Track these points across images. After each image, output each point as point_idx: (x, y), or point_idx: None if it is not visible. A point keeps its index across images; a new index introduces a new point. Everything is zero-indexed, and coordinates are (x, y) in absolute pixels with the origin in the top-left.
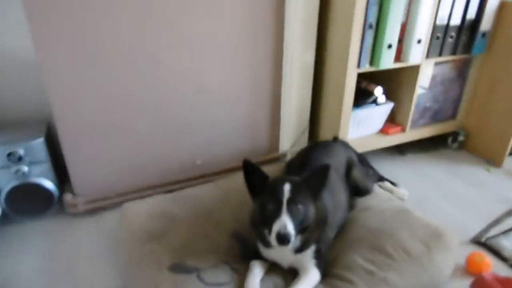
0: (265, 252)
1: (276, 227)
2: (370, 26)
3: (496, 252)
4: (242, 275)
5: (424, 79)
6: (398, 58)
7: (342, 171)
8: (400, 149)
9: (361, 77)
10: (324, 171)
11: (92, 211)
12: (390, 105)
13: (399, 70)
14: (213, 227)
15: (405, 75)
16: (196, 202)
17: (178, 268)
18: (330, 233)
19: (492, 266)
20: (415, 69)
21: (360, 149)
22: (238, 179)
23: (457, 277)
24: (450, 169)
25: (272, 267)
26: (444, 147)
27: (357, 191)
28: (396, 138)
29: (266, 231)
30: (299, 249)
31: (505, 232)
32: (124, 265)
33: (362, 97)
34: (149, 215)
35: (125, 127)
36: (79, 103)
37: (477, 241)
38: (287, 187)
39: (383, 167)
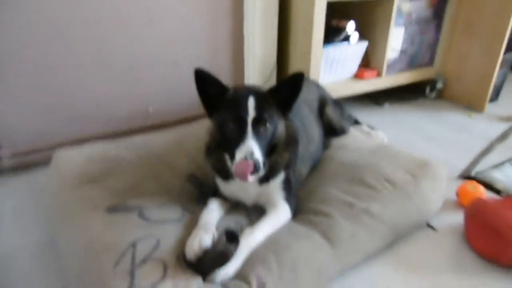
0: (224, 187)
1: (241, 154)
2: None
3: (487, 185)
4: (196, 215)
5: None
6: None
7: (315, 107)
8: (376, 100)
9: (331, 13)
10: (297, 79)
11: (23, 167)
12: (364, 44)
13: (372, 3)
14: (165, 170)
15: (379, 10)
16: (147, 148)
17: (116, 208)
18: (303, 167)
19: (485, 195)
20: (389, 3)
21: (334, 95)
22: (197, 127)
23: (448, 210)
24: (430, 116)
25: (235, 207)
26: (423, 97)
27: (331, 130)
28: (372, 83)
29: (226, 158)
30: (265, 177)
31: (496, 165)
32: (52, 216)
33: (334, 34)
34: (88, 159)
35: (61, 64)
36: (3, 32)
37: (466, 176)
38: (251, 102)
39: (360, 116)
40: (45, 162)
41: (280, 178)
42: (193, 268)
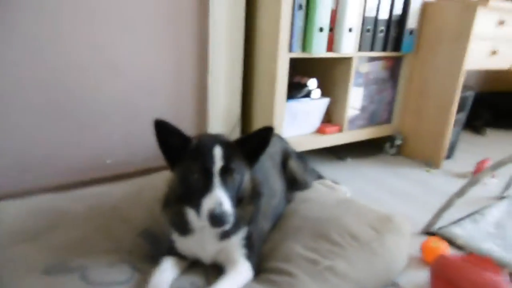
0: (181, 243)
1: (208, 205)
2: (300, 7)
3: (450, 241)
4: (147, 275)
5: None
6: (330, 48)
7: (278, 160)
8: (338, 154)
9: (294, 71)
10: (266, 133)
11: None
12: (326, 100)
13: (333, 63)
14: (117, 223)
15: (339, 69)
16: (99, 199)
17: (55, 269)
18: (265, 223)
19: (448, 251)
20: (348, 62)
21: (297, 149)
22: (156, 177)
23: (413, 267)
24: (390, 171)
25: (191, 266)
26: (382, 153)
27: (294, 184)
28: (334, 138)
29: (186, 211)
30: (226, 232)
31: (457, 221)
32: None
33: (296, 90)
34: (30, 213)
35: (11, 107)
36: None
37: (428, 232)
38: (218, 151)
39: (322, 171)
40: None
41: (242, 233)
42: None
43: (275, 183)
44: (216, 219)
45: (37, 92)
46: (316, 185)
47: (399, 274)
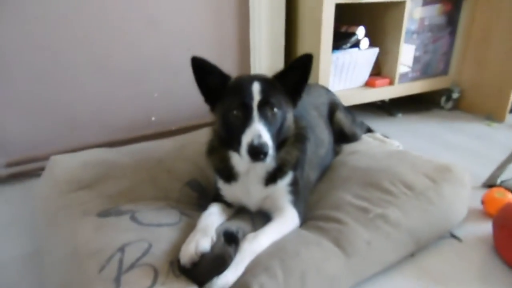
0: (227, 190)
1: (247, 137)
2: None
3: None
4: (194, 220)
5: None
6: None
7: (325, 112)
8: (389, 110)
9: (341, 20)
10: (305, 60)
11: (18, 176)
12: (375, 50)
13: (383, 8)
14: (163, 174)
15: (390, 15)
16: (145, 153)
17: (107, 213)
18: (312, 172)
19: None
20: (400, 7)
21: (345, 103)
22: (200, 133)
23: (473, 220)
24: (446, 126)
25: (237, 214)
26: (437, 108)
27: (342, 136)
28: (384, 91)
29: (230, 156)
30: (273, 177)
31: None
32: (41, 224)
33: (343, 40)
34: (83, 164)
35: (58, 69)
36: None
37: (491, 185)
38: (256, 87)
39: (372, 127)
40: (41, 171)
41: (288, 179)
42: (188, 275)
43: (322, 133)
44: (254, 150)
45: (80, 50)
46: (366, 137)
47: (457, 226)
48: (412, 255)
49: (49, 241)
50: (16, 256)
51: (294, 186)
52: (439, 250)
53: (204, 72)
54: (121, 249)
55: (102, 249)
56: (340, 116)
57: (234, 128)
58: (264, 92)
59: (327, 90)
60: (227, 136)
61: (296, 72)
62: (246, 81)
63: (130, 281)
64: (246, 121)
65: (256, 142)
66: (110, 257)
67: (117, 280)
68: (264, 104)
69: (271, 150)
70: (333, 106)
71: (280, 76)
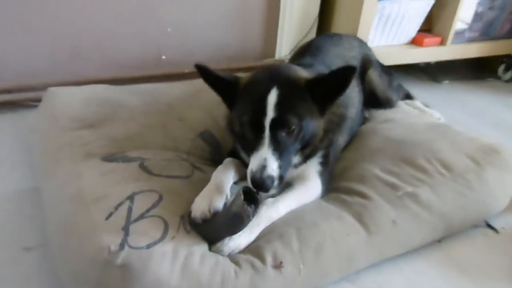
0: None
1: (252, 164)
2: None
3: None
4: (208, 175)
5: None
6: None
7: (356, 63)
8: (434, 75)
9: None
10: (346, 72)
11: (9, 105)
12: (430, 1)
13: None
14: (174, 121)
15: None
16: (155, 96)
17: (114, 157)
18: (341, 137)
19: None
20: None
21: (384, 62)
22: None
23: None
24: (500, 100)
25: None
26: (493, 77)
27: (374, 100)
28: (433, 52)
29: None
30: (302, 159)
31: None
32: (39, 160)
33: None
34: (86, 100)
35: None
36: None
37: None
38: (272, 98)
39: (414, 93)
40: (35, 102)
41: (318, 158)
42: (199, 231)
43: (351, 91)
44: (255, 183)
45: None
46: (402, 105)
47: (495, 216)
48: (439, 241)
49: (48, 180)
50: (12, 192)
51: (324, 158)
52: (471, 240)
53: (209, 78)
54: (131, 198)
55: (109, 194)
56: (374, 75)
57: (244, 142)
58: (280, 105)
59: (360, 42)
60: (239, 143)
61: (333, 81)
62: (261, 86)
63: (139, 231)
64: (255, 141)
65: (258, 175)
66: (118, 204)
67: (126, 228)
68: (278, 124)
69: (276, 182)
70: (367, 63)
71: (313, 81)
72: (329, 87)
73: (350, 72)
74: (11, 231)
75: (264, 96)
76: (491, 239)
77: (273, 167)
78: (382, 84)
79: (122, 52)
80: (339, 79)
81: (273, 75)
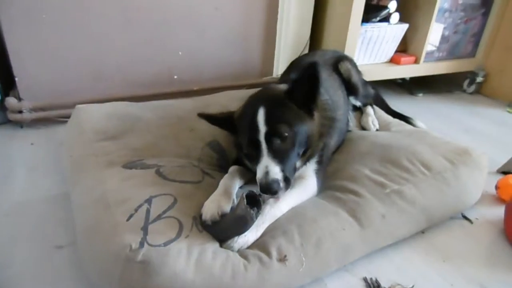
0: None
1: (258, 174)
2: None
3: None
4: (216, 180)
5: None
6: None
7: (330, 64)
8: (410, 89)
9: None
10: (311, 68)
11: (43, 121)
12: (404, 26)
13: None
14: (185, 132)
15: None
16: (168, 110)
17: (134, 165)
18: (332, 141)
19: None
20: None
21: (367, 78)
22: (222, 95)
23: (485, 204)
24: (466, 109)
25: None
26: (459, 90)
27: (351, 88)
28: (408, 69)
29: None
30: (300, 166)
31: None
32: (67, 168)
33: (373, 12)
34: (108, 115)
35: (88, 19)
36: None
37: (506, 171)
38: (261, 116)
39: (392, 105)
40: (65, 119)
41: (315, 159)
42: (210, 231)
43: (335, 94)
44: (263, 189)
45: (110, 5)
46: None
47: (469, 208)
48: (422, 232)
49: (76, 186)
50: (40, 197)
51: (320, 158)
52: (449, 229)
53: (215, 122)
54: (148, 200)
55: (130, 198)
56: (349, 65)
57: (252, 159)
58: (270, 119)
59: (335, 51)
60: (248, 160)
61: (305, 83)
62: (250, 110)
63: (157, 231)
64: (257, 157)
65: (264, 181)
66: (138, 206)
67: (145, 229)
68: (272, 135)
69: (282, 184)
70: (341, 59)
71: (289, 91)
72: (306, 89)
73: (312, 68)
74: (44, 231)
75: (254, 117)
76: (467, 229)
77: (275, 171)
78: (358, 75)
79: (139, 73)
80: (307, 78)
81: (258, 98)
